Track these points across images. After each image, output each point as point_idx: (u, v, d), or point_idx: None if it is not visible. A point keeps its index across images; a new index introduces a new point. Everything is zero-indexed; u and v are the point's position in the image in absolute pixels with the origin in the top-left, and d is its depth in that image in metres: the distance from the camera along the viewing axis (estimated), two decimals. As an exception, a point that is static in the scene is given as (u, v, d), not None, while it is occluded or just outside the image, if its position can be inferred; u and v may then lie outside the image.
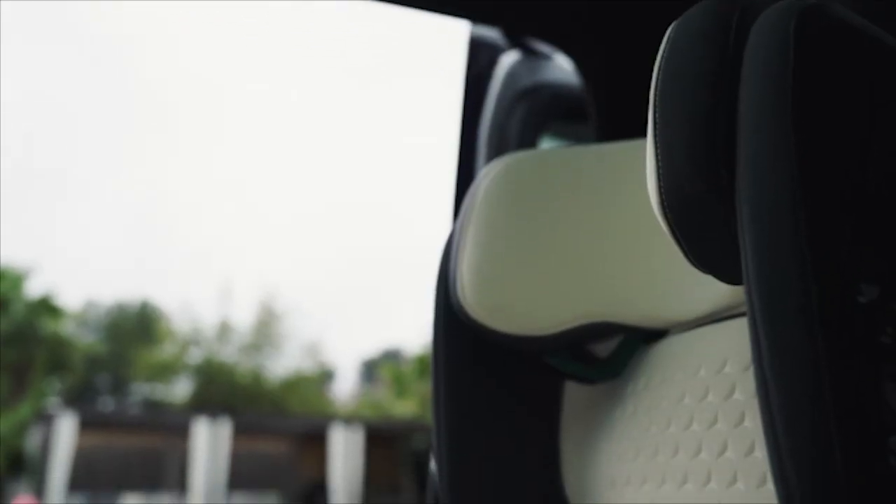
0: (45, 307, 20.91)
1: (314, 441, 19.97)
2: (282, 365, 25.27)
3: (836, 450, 0.33)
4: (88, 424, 17.58)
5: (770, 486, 0.50)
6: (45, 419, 17.33)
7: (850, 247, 0.34)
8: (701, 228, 0.45)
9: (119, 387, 29.01)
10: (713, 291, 0.59)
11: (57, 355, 21.51)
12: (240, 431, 19.08)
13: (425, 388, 21.52)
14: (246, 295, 29.77)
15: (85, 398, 26.70)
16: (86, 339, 26.26)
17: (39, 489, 16.23)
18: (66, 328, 22.81)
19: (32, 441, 18.08)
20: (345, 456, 18.95)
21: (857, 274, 0.34)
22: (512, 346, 0.65)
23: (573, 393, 0.69)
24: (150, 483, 19.18)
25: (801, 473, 0.35)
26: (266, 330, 24.97)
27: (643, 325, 0.65)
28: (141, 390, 27.95)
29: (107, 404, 27.82)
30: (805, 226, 0.35)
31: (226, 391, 23.47)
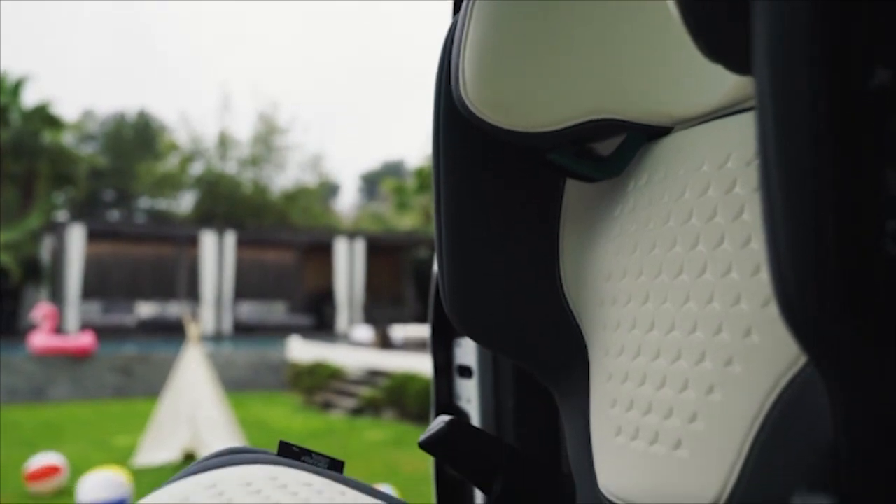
0: (43, 116, 20.71)
1: (318, 253, 20.50)
2: (284, 177, 25.42)
3: (832, 231, 0.33)
4: (97, 235, 17.96)
5: (763, 276, 0.51)
6: (56, 228, 17.66)
7: (867, 29, 0.33)
8: (713, 9, 0.43)
9: (124, 200, 29.40)
10: (719, 86, 0.57)
11: (60, 167, 21.58)
12: (245, 243, 19.54)
13: (426, 200, 21.77)
14: (246, 108, 29.44)
15: (92, 211, 27.12)
16: (87, 151, 26.24)
17: (56, 297, 16.85)
18: (67, 140, 22.72)
19: (45, 251, 18.54)
20: (348, 267, 19.52)
21: (872, 58, 0.33)
22: (513, 142, 0.64)
23: (574, 190, 0.70)
24: (161, 291, 19.91)
25: (795, 257, 0.35)
26: (267, 142, 24.87)
27: (647, 121, 0.64)
28: (146, 203, 28.35)
29: (113, 217, 28.31)
30: (821, 4, 0.34)
31: (229, 204, 23.77)
